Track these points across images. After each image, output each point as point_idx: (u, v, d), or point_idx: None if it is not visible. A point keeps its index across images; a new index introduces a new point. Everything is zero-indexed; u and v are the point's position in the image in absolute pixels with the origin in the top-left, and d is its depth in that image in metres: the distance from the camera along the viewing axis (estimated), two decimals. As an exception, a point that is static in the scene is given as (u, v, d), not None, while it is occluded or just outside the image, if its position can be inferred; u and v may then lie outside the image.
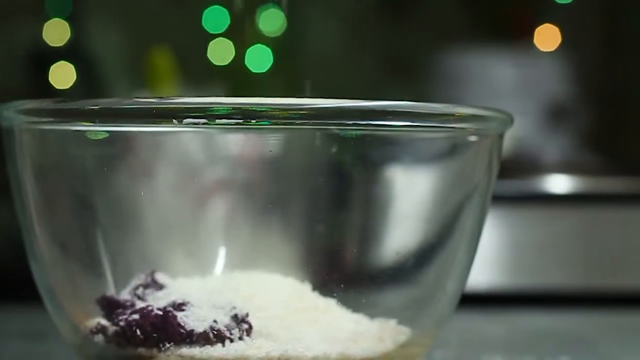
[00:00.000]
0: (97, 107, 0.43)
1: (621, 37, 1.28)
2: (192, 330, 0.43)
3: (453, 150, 0.47)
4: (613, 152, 1.22)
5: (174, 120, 0.42)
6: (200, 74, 1.06)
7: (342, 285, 0.48)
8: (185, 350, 0.43)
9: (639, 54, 1.27)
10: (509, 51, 1.22)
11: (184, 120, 0.42)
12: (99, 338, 0.44)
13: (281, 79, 1.07)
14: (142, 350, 0.43)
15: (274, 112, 0.42)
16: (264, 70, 1.05)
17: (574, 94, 1.22)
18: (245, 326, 0.43)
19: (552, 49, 1.25)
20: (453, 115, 0.45)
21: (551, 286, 0.86)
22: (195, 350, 0.43)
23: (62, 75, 1.01)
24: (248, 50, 1.05)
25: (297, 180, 0.47)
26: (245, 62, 1.05)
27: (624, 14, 1.30)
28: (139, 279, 0.45)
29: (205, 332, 0.43)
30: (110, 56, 1.10)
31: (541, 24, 1.26)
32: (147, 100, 0.43)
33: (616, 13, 1.31)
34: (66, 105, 0.44)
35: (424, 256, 0.47)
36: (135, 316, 0.43)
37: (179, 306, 0.43)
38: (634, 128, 1.27)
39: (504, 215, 0.87)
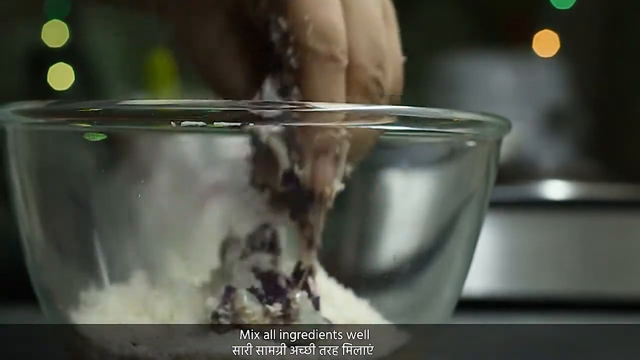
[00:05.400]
0: (94, 108, 0.43)
1: (620, 44, 1.28)
2: None
3: (451, 155, 0.47)
4: (610, 158, 1.22)
5: (171, 122, 0.42)
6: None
7: (338, 290, 0.48)
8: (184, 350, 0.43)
9: (638, 61, 1.27)
10: (507, 57, 1.22)
11: (182, 123, 0.42)
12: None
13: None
14: (143, 351, 0.43)
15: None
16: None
17: (572, 100, 1.22)
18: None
19: (551, 55, 1.26)
20: (451, 120, 0.45)
21: (548, 292, 0.86)
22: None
23: (61, 76, 1.00)
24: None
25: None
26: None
27: (622, 20, 1.30)
28: None
29: None
30: (109, 57, 1.10)
31: (540, 30, 1.26)
32: (145, 102, 0.42)
33: (615, 20, 1.31)
34: (63, 107, 0.44)
35: (420, 261, 0.47)
36: None
37: None
38: (631, 134, 1.27)
39: (501, 221, 0.87)
